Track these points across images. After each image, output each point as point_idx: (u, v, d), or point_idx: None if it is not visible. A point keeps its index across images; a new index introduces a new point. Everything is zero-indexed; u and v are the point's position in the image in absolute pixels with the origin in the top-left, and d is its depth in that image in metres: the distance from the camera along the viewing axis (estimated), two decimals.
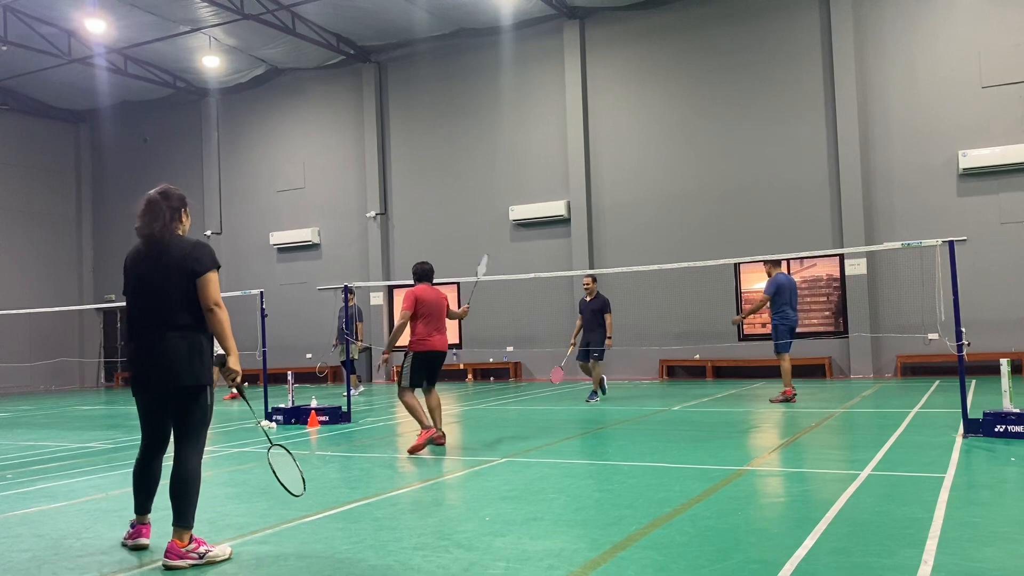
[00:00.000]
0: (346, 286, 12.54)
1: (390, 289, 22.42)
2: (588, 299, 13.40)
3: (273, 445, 4.82)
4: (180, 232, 4.64)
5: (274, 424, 11.05)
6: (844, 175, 17.33)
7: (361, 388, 17.59)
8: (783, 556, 4.04)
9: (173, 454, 4.49)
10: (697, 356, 18.38)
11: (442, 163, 21.95)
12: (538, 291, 19.50)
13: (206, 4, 19.35)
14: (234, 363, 4.52)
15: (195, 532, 4.43)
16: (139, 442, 4.70)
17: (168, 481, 4.45)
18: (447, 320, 8.64)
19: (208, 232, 24.92)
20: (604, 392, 13.56)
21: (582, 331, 13.41)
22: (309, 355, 22.35)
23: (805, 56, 18.01)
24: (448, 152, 21.89)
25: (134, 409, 4.66)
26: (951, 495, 5.30)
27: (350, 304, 13.94)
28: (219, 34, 21.51)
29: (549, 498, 5.69)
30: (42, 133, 26.85)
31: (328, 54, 22.54)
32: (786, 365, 12.09)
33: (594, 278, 13.50)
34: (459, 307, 10.54)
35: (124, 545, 4.70)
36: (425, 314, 8.39)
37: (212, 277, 4.49)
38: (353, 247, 23.08)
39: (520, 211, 20.46)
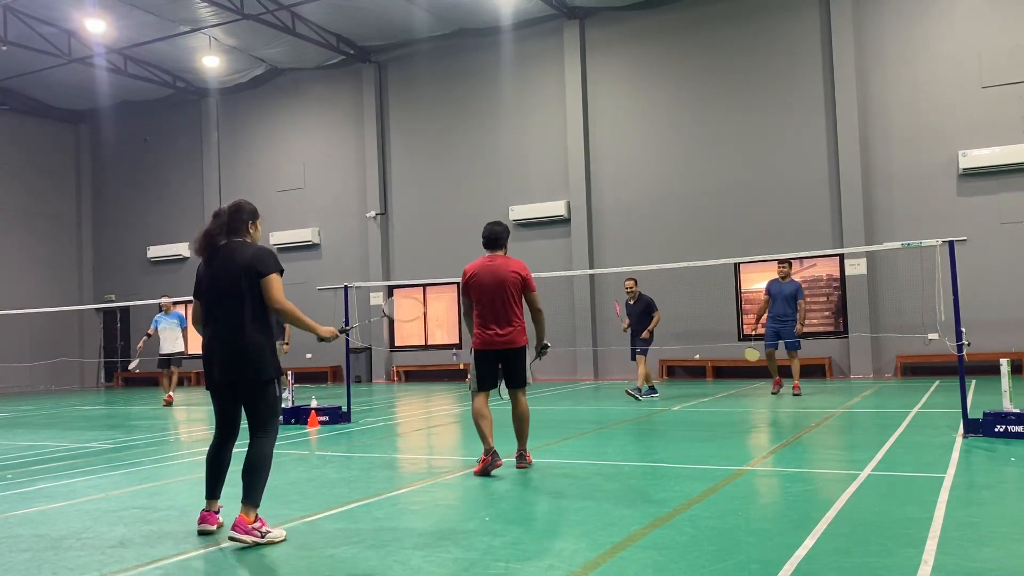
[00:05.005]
0: (346, 286, 12.52)
1: (390, 289, 22.40)
2: (631, 302, 13.48)
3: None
4: (249, 240, 4.98)
5: None
6: (844, 175, 17.33)
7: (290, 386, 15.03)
8: (783, 556, 4.04)
9: (249, 440, 4.86)
10: (697, 356, 18.38)
11: (442, 163, 21.96)
12: (538, 291, 19.44)
13: (206, 4, 19.35)
14: (323, 332, 5.06)
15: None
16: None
17: (241, 464, 4.81)
18: (520, 306, 6.98)
19: None
20: (650, 391, 13.47)
21: (631, 331, 13.49)
22: (309, 355, 22.33)
23: (805, 56, 18.01)
24: (448, 152, 21.89)
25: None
26: (951, 495, 5.30)
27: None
28: (219, 34, 21.51)
29: (549, 498, 5.69)
30: (42, 133, 26.85)
31: (328, 54, 22.54)
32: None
33: (635, 280, 13.59)
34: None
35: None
36: (478, 300, 6.86)
37: (275, 279, 4.84)
38: (353, 247, 23.08)
39: (520, 211, 20.47)
